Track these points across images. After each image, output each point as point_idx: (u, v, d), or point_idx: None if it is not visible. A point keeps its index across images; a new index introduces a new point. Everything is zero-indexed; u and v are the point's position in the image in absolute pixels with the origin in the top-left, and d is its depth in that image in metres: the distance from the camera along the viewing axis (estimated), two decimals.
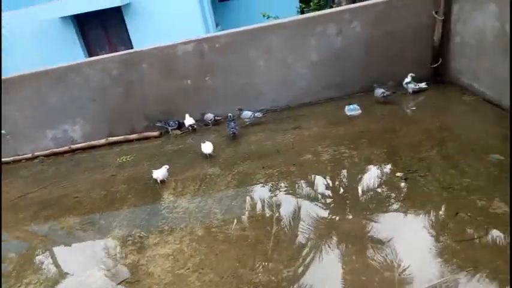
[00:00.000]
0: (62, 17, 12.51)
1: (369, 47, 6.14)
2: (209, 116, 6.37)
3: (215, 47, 6.21)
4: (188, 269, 3.22)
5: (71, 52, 11.77)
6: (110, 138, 6.42)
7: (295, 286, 2.87)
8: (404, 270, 2.79)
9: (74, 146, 6.49)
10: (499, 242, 2.87)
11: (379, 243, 3.10)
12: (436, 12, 5.90)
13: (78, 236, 4.13)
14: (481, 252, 2.81)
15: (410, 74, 5.94)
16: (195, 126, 6.31)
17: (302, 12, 11.74)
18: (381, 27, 6.06)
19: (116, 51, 12.28)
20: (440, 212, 3.31)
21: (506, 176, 3.53)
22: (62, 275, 3.54)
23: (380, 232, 3.22)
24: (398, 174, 3.93)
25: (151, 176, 4.80)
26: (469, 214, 3.18)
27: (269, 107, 6.45)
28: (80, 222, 4.32)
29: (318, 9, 11.47)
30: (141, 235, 3.81)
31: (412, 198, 3.56)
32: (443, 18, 5.88)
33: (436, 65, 6.17)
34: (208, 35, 6.31)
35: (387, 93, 5.74)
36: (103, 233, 4.01)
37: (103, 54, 12.11)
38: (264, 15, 11.35)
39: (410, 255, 2.91)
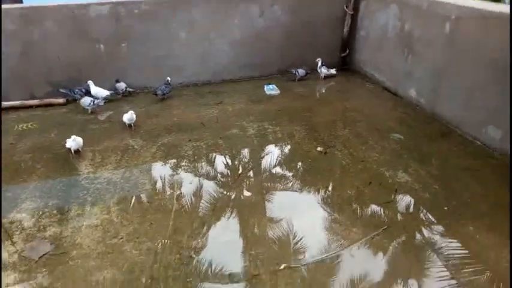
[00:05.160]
0: None
1: (288, 31, 6.46)
2: (121, 86, 5.98)
3: (133, 12, 5.83)
4: (122, 238, 3.08)
5: None
6: (4, 102, 5.57)
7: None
8: (334, 220, 3.14)
9: None
10: (406, 204, 3.43)
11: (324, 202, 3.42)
12: (347, 7, 6.49)
13: None
14: (393, 213, 3.32)
15: (319, 59, 6.45)
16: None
17: None
18: (298, 14, 6.43)
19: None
20: (358, 182, 3.77)
21: (406, 152, 4.21)
22: None
23: (314, 192, 3.56)
24: (319, 148, 4.33)
25: (63, 146, 4.38)
26: (380, 183, 3.70)
27: (189, 80, 6.36)
28: None
29: None
30: (59, 206, 3.47)
31: (333, 169, 3.98)
32: (352, 12, 6.51)
33: (344, 54, 6.82)
34: None
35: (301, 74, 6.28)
36: (9, 206, 3.52)
37: None
38: None
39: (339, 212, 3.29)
